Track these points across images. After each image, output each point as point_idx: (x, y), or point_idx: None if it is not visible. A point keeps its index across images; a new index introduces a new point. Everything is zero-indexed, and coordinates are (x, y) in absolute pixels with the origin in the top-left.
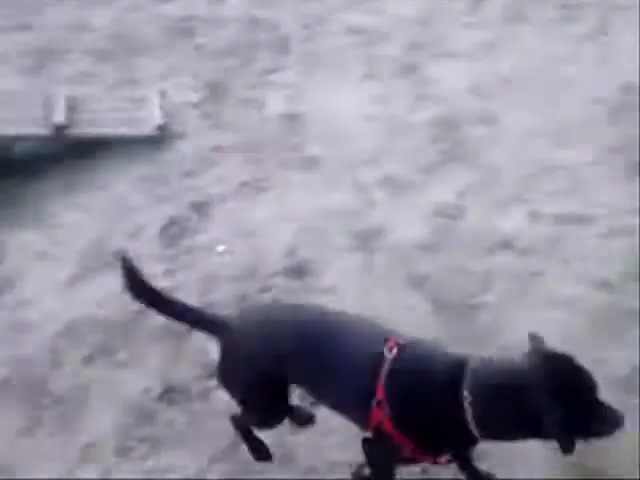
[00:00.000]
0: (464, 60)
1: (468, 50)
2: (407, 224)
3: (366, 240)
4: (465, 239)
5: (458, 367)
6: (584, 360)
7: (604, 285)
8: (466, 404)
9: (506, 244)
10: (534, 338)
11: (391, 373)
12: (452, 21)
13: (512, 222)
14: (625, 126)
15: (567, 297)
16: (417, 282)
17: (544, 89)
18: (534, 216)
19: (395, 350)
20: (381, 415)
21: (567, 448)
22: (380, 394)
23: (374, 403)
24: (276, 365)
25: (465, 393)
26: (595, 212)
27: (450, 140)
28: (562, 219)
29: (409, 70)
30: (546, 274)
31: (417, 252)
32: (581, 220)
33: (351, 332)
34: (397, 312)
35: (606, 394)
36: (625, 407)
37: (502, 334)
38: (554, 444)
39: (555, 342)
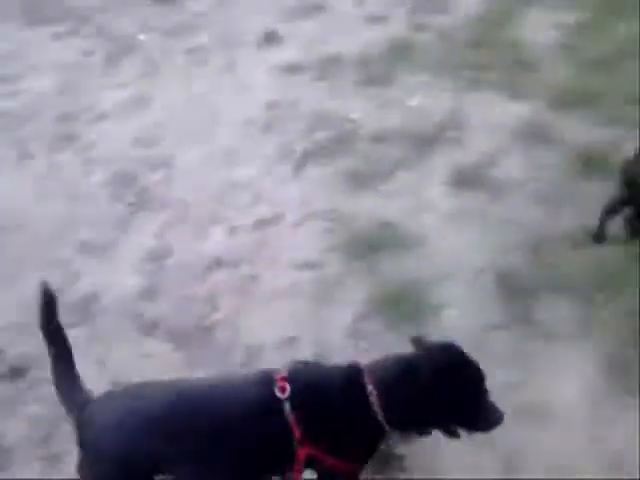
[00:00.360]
0: (119, 118)
1: (120, 108)
2: (121, 280)
3: (84, 311)
4: (180, 271)
5: (353, 371)
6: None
7: (309, 265)
8: (372, 398)
9: (218, 262)
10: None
11: (297, 408)
12: (94, 86)
13: (216, 242)
14: (277, 135)
15: (285, 287)
16: (150, 328)
17: (202, 123)
18: (233, 231)
19: (287, 386)
20: (306, 450)
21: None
22: (298, 433)
23: (295, 445)
24: (141, 454)
25: (369, 387)
26: (282, 210)
27: (132, 192)
28: (257, 225)
29: (69, 140)
30: (260, 275)
31: (140, 301)
32: (273, 220)
33: (227, 393)
34: (141, 364)
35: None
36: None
37: (242, 342)
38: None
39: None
